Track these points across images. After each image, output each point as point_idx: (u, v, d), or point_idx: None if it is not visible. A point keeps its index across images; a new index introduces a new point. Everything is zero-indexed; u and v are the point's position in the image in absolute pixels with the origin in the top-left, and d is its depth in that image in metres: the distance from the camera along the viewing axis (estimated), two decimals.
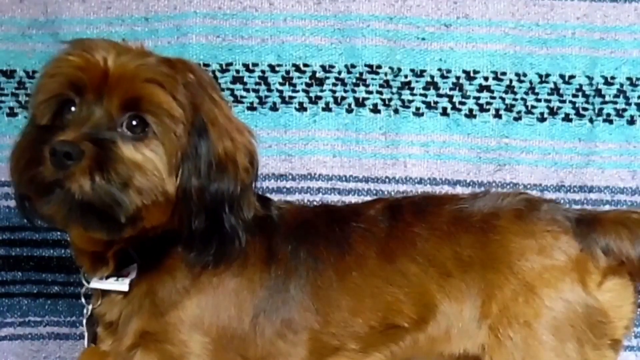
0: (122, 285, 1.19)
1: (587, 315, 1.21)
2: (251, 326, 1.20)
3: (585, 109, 1.78)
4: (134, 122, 1.12)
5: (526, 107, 1.78)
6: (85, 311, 1.25)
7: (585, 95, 1.77)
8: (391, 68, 1.76)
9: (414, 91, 1.77)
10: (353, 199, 1.76)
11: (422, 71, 1.76)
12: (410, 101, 1.77)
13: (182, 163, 1.13)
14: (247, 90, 1.76)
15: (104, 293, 1.22)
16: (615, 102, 1.78)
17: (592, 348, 1.22)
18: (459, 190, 1.78)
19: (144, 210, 1.11)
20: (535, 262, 1.22)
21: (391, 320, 1.23)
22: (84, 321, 1.25)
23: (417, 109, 1.77)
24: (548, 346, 1.20)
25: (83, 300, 1.24)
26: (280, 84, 1.76)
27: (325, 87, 1.76)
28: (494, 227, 1.24)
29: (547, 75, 1.77)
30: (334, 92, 1.77)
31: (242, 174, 1.16)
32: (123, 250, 1.19)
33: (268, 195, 1.72)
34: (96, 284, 1.21)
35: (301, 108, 1.77)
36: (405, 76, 1.76)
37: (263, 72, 1.76)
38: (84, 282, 1.24)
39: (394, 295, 1.23)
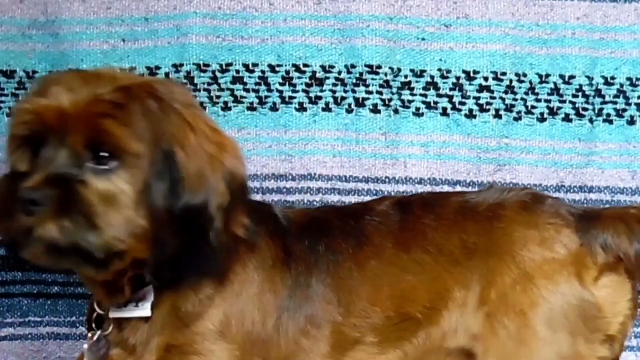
0: (144, 310, 1.18)
1: (582, 309, 1.22)
2: (274, 327, 1.21)
3: (585, 109, 1.78)
4: (102, 155, 1.10)
5: (526, 107, 1.78)
6: (90, 335, 1.22)
7: (585, 96, 1.77)
8: (391, 68, 1.76)
9: (414, 91, 1.77)
10: (353, 199, 1.76)
11: (422, 71, 1.76)
12: (410, 101, 1.77)
13: (149, 190, 1.10)
14: (247, 90, 1.76)
15: (125, 319, 1.20)
16: (615, 102, 1.78)
17: (584, 341, 1.23)
18: (459, 190, 1.78)
19: (121, 244, 1.09)
20: (536, 253, 1.24)
21: (406, 310, 1.25)
22: (85, 346, 1.22)
23: (417, 109, 1.77)
24: (541, 336, 1.21)
25: (93, 325, 1.21)
26: (280, 84, 1.76)
27: (325, 87, 1.76)
28: (499, 216, 1.27)
29: (547, 76, 1.77)
30: (334, 92, 1.77)
31: (218, 194, 1.12)
32: (137, 275, 1.17)
33: (268, 195, 1.73)
34: (116, 313, 1.19)
35: (301, 108, 1.77)
36: (405, 76, 1.76)
37: (263, 72, 1.76)
38: (96, 308, 1.22)
39: (410, 283, 1.25)
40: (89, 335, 1.23)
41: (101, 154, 1.10)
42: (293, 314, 1.22)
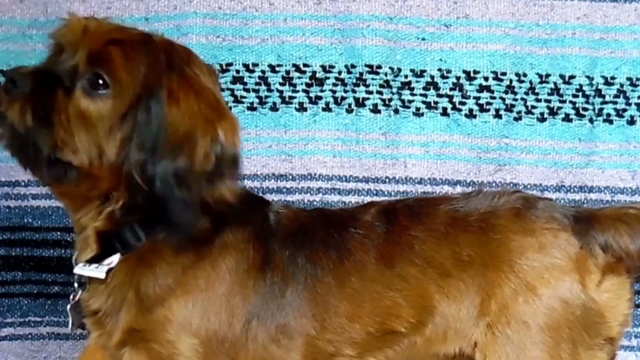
0: (99, 272, 1.19)
1: (585, 317, 1.21)
2: (243, 331, 1.20)
3: (585, 109, 1.78)
4: (99, 80, 1.13)
5: (526, 107, 1.78)
6: (71, 296, 1.24)
7: (585, 96, 1.77)
8: (391, 68, 1.76)
9: (414, 91, 1.77)
10: (353, 199, 1.76)
11: (422, 71, 1.76)
12: (410, 101, 1.77)
13: (130, 130, 1.12)
14: (247, 90, 1.76)
15: (91, 281, 1.21)
16: (615, 102, 1.78)
17: (585, 349, 1.22)
18: (459, 190, 1.78)
19: (75, 158, 1.12)
20: (535, 261, 1.22)
21: (389, 326, 1.23)
22: (68, 307, 1.24)
23: (417, 109, 1.77)
24: (543, 347, 1.20)
25: (75, 285, 1.23)
26: (281, 84, 1.76)
27: (325, 87, 1.76)
28: (493, 226, 1.24)
29: (547, 76, 1.77)
30: (334, 92, 1.77)
31: (200, 158, 1.12)
32: (105, 235, 1.19)
33: (268, 195, 1.73)
34: (77, 269, 1.21)
35: (301, 108, 1.77)
36: (406, 76, 1.76)
37: (263, 72, 1.76)
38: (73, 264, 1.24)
39: (393, 299, 1.23)
40: (71, 295, 1.24)
41: (99, 80, 1.13)
42: (264, 322, 1.20)
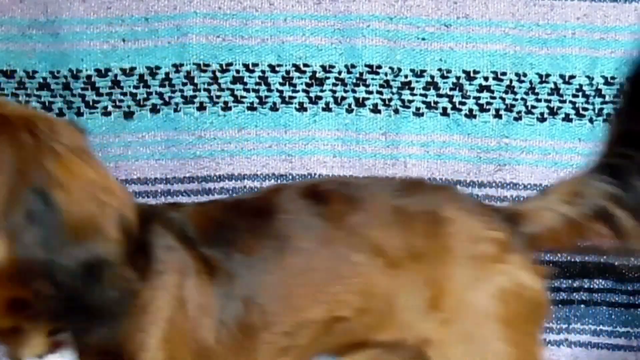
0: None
1: (530, 302, 1.22)
2: (214, 340, 1.16)
3: (585, 109, 1.78)
4: None
5: (526, 107, 1.78)
6: None
7: (585, 96, 1.77)
8: (391, 68, 1.76)
9: (414, 91, 1.77)
10: None
11: (422, 71, 1.76)
12: (410, 101, 1.77)
13: (14, 230, 0.99)
14: (247, 90, 1.76)
15: None
16: (615, 102, 1.78)
17: (537, 332, 1.24)
18: (459, 190, 1.78)
19: None
20: (480, 253, 1.22)
21: (336, 313, 1.20)
22: None
23: (417, 109, 1.77)
24: (497, 336, 1.20)
25: None
26: (280, 84, 1.76)
27: (325, 87, 1.76)
28: (442, 219, 1.23)
29: (547, 76, 1.77)
30: (334, 92, 1.77)
31: (110, 242, 1.02)
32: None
33: None
34: None
35: (301, 108, 1.77)
36: (406, 76, 1.76)
37: (263, 72, 1.76)
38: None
39: (340, 286, 1.20)
40: None
41: None
42: (226, 325, 1.16)
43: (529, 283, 1.23)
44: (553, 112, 1.78)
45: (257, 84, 1.76)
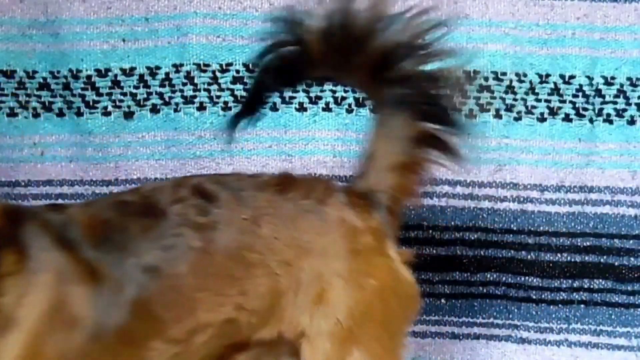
0: None
1: (406, 299, 1.22)
2: (89, 340, 1.10)
3: (585, 109, 1.78)
4: None
5: (526, 107, 1.77)
6: None
7: (585, 96, 1.77)
8: None
9: None
10: None
11: None
12: None
13: None
14: (247, 91, 1.76)
15: None
16: (615, 102, 1.78)
17: (407, 328, 1.25)
18: (459, 190, 1.79)
19: None
20: (362, 246, 1.21)
21: (234, 317, 1.17)
22: None
23: None
24: (368, 331, 1.19)
25: None
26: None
27: (325, 87, 1.76)
28: (324, 213, 1.22)
29: (547, 76, 1.77)
30: (334, 92, 1.77)
31: None
32: None
33: None
34: None
35: (301, 108, 1.77)
36: None
37: None
38: None
39: (235, 288, 1.17)
40: None
41: None
42: (103, 335, 1.10)
43: (405, 277, 1.22)
44: (553, 112, 1.78)
45: None
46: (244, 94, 1.76)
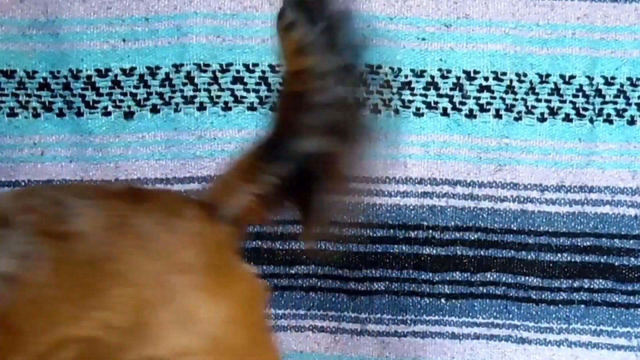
0: None
1: (256, 296, 1.18)
2: None
3: (585, 109, 1.78)
4: None
5: (526, 107, 1.78)
6: None
7: (585, 96, 1.77)
8: (391, 68, 1.76)
9: (414, 91, 1.77)
10: (353, 199, 1.76)
11: (422, 71, 1.76)
12: (410, 101, 1.77)
13: None
14: (248, 91, 1.76)
15: None
16: (616, 102, 1.78)
17: (264, 313, 1.20)
18: (459, 190, 1.79)
19: None
20: (217, 262, 1.16)
21: (100, 335, 1.07)
22: None
23: (418, 109, 1.77)
24: (240, 340, 1.14)
25: None
26: (281, 84, 1.76)
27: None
28: (179, 226, 1.15)
29: (548, 76, 1.77)
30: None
31: None
32: None
33: None
34: None
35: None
36: (406, 76, 1.76)
37: (263, 72, 1.76)
38: None
39: (98, 302, 1.07)
40: None
41: None
42: None
43: (253, 277, 1.18)
44: (553, 112, 1.78)
45: (257, 84, 1.76)
46: (244, 94, 1.76)
